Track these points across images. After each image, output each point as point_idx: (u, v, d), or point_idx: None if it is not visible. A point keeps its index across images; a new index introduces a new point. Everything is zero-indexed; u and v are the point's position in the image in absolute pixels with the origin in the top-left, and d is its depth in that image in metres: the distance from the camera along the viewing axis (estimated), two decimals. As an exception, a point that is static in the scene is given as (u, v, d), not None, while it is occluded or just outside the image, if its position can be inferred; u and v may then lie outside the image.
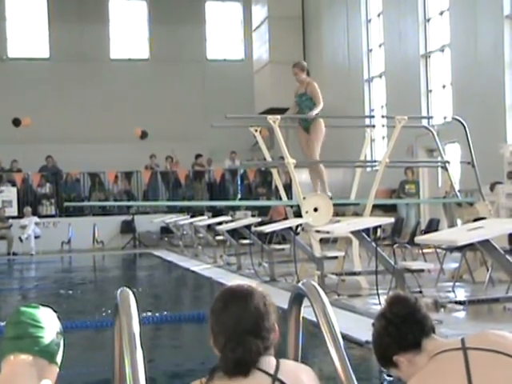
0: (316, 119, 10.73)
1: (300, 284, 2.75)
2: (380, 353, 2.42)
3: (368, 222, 9.52)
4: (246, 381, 2.08)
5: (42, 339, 2.03)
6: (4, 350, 2.02)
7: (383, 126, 15.43)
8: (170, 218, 19.59)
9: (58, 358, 2.10)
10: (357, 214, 13.36)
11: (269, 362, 2.13)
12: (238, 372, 2.08)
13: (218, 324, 2.15)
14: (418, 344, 2.32)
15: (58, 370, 2.12)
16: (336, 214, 11.15)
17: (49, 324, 2.08)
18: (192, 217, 18.60)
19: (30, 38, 26.30)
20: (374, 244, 8.70)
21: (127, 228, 21.73)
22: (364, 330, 7.13)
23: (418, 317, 2.36)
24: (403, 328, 2.33)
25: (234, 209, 20.28)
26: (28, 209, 20.82)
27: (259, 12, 25.57)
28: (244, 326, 2.11)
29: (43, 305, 2.17)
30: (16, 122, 23.86)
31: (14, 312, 2.09)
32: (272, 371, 2.11)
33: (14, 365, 1.98)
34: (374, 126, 14.94)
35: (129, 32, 27.15)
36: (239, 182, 23.68)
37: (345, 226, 9.40)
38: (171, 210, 21.50)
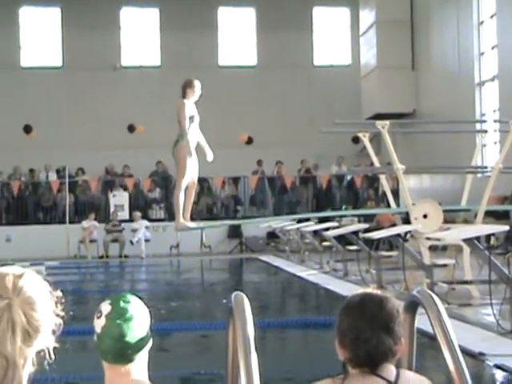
0: (179, 142, 9.74)
1: (415, 292, 2.69)
2: None
3: (482, 229, 9.27)
4: None
5: (128, 348, 2.06)
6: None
7: (495, 130, 14.97)
8: (277, 224, 19.66)
9: (149, 343, 2.11)
10: (466, 221, 13.02)
11: (389, 370, 2.12)
12: (367, 364, 2.09)
13: (351, 320, 2.14)
14: None
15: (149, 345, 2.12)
16: (445, 221, 10.91)
17: (133, 328, 2.06)
18: (298, 222, 18.61)
19: (142, 46, 27.04)
20: (487, 252, 8.45)
21: (234, 233, 21.98)
22: (476, 341, 6.94)
23: None
24: None
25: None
26: (137, 213, 21.35)
27: (367, 16, 25.34)
28: (378, 323, 2.12)
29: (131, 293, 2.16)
30: (131, 129, 24.59)
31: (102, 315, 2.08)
32: (392, 379, 2.09)
33: (111, 374, 2.09)
34: (485, 131, 14.55)
35: (236, 39, 27.48)
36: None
37: (456, 233, 9.18)
38: (278, 215, 21.59)
